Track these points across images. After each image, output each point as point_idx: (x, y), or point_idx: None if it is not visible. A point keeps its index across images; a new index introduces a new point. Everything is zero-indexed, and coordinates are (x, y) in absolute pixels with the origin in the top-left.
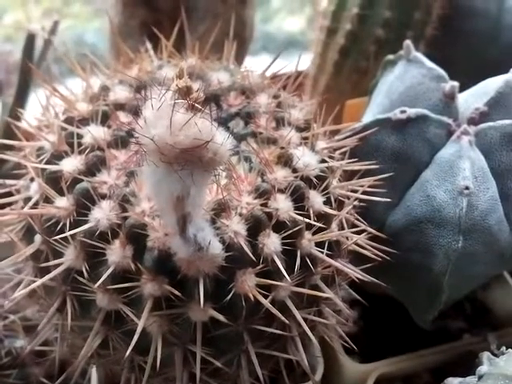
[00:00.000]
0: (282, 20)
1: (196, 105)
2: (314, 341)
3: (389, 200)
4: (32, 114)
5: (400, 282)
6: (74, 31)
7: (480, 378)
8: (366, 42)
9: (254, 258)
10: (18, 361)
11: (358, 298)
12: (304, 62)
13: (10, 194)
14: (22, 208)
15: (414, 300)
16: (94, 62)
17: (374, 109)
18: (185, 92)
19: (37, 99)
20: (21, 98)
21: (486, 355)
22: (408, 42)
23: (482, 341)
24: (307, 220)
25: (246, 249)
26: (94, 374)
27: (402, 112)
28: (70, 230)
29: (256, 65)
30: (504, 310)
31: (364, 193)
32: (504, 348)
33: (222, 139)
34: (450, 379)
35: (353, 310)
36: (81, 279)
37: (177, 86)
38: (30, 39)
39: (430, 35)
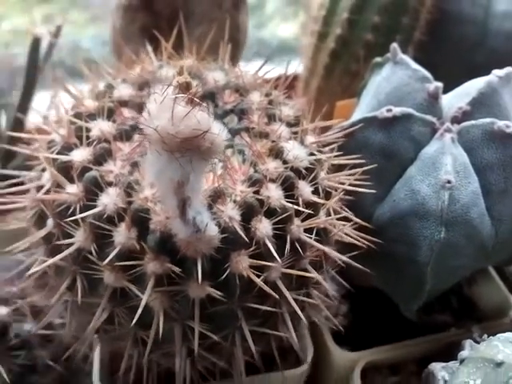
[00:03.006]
0: (275, 26)
1: (195, 99)
2: (303, 320)
3: (374, 192)
4: (37, 112)
5: (386, 273)
6: (71, 38)
7: (461, 361)
8: (356, 45)
9: (247, 241)
10: (25, 343)
11: (349, 288)
12: (296, 66)
13: (22, 185)
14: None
15: (400, 290)
16: (98, 63)
17: (363, 108)
18: (185, 87)
19: (40, 100)
20: (27, 99)
21: (468, 342)
22: (395, 45)
23: (466, 332)
24: (296, 207)
25: (240, 232)
26: (96, 357)
27: (388, 111)
28: (80, 214)
29: (250, 70)
30: (489, 305)
31: (351, 185)
32: (486, 336)
33: (218, 130)
34: (433, 364)
35: (343, 304)
36: (90, 258)
37: (177, 81)
38: (36, 43)
39: (417, 39)
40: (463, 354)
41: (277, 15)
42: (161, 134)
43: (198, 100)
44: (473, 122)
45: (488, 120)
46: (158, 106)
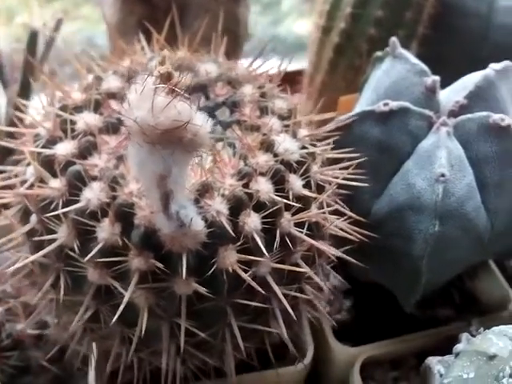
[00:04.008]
0: (291, 23)
1: (176, 89)
2: (293, 316)
3: (372, 186)
4: (34, 107)
5: (384, 268)
6: (84, 33)
7: (456, 355)
8: (360, 40)
9: (234, 235)
10: (18, 343)
11: (350, 283)
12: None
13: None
14: None
15: (398, 284)
16: (91, 56)
17: (363, 103)
18: (166, 77)
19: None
20: (24, 93)
21: (464, 336)
22: (394, 39)
23: (466, 326)
24: (286, 201)
25: (227, 226)
26: (92, 357)
27: (385, 105)
28: (62, 209)
29: (265, 67)
30: (490, 299)
31: (345, 179)
32: (482, 329)
33: (202, 121)
34: (430, 358)
35: (346, 299)
36: (73, 255)
37: (159, 71)
38: (33, 36)
39: (421, 34)
40: (458, 347)
41: (293, 12)
42: (141, 126)
43: (179, 90)
44: (469, 115)
45: (484, 113)
46: (138, 96)
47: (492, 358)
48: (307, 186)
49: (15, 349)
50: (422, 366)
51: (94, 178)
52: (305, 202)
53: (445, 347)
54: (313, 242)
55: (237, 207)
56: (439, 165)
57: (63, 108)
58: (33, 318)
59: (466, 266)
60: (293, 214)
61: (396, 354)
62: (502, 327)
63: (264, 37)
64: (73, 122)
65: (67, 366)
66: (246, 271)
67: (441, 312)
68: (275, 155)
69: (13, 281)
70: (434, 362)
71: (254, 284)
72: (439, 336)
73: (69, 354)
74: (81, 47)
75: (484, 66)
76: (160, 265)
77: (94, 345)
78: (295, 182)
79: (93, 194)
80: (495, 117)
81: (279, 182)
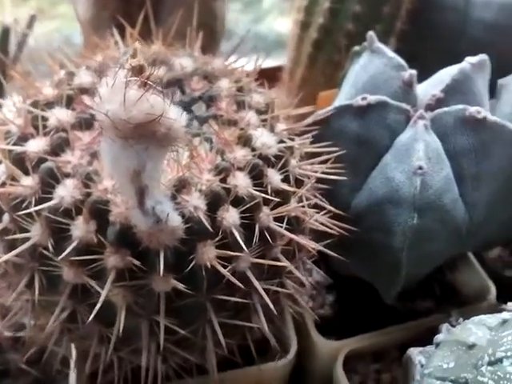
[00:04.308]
0: (272, 20)
1: (148, 82)
2: (274, 311)
3: (352, 180)
4: (6, 105)
5: (365, 261)
6: (61, 32)
7: (437, 345)
8: (338, 35)
9: (212, 231)
10: None
11: (332, 278)
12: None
13: None
14: None
15: (379, 277)
16: (64, 53)
17: (342, 98)
18: (138, 70)
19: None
20: None
21: (444, 326)
22: (371, 33)
23: (446, 317)
24: (265, 195)
25: (205, 222)
26: (72, 358)
27: (363, 99)
28: (34, 207)
29: (242, 61)
30: (470, 291)
31: (324, 173)
32: (462, 319)
33: (176, 115)
34: (411, 349)
35: (329, 294)
36: (47, 254)
37: (130, 64)
38: (5, 33)
39: (399, 29)
40: (438, 337)
41: (274, 9)
42: (112, 120)
43: (152, 83)
44: (445, 108)
45: (460, 106)
46: (110, 89)
47: (471, 347)
48: (286, 180)
49: None
50: (403, 357)
51: (67, 175)
52: (284, 197)
53: (426, 338)
54: (292, 236)
55: (215, 202)
56: (417, 158)
57: (34, 104)
58: (8, 319)
59: (446, 259)
60: (272, 209)
61: (378, 347)
62: (481, 317)
63: (245, 35)
64: (44, 119)
65: (47, 368)
66: (225, 267)
67: (421, 304)
68: (253, 150)
69: None
70: (415, 353)
71: (233, 280)
72: (420, 328)
73: (48, 355)
74: (57, 46)
75: (461, 61)
76: (137, 262)
77: (72, 345)
78: (273, 177)
79: (66, 192)
80: (471, 109)
81: (257, 177)
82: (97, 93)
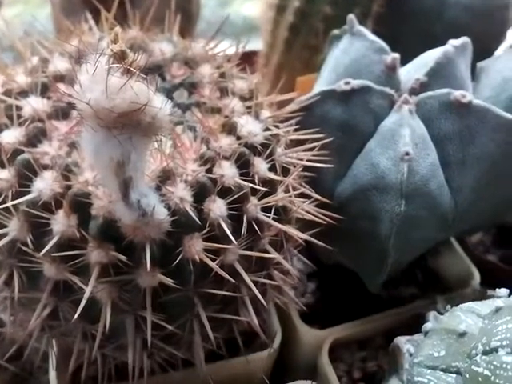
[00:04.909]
0: (239, 5)
1: (131, 69)
2: (264, 303)
3: (335, 167)
4: None
5: (350, 249)
6: (24, 18)
7: (426, 334)
8: (315, 19)
9: (200, 223)
10: None
11: (315, 266)
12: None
13: None
14: None
15: (364, 265)
16: (34, 37)
17: (322, 83)
18: (120, 56)
19: None
20: None
21: (432, 314)
22: (351, 16)
23: (431, 303)
24: (252, 185)
25: (192, 214)
26: (52, 354)
27: (346, 83)
28: (11, 202)
29: (222, 46)
30: (453, 276)
31: (310, 161)
32: (449, 307)
33: (161, 103)
34: (399, 338)
35: (311, 282)
36: (27, 250)
37: (111, 50)
38: None
39: (376, 12)
40: (427, 326)
41: None
42: (94, 109)
43: (134, 70)
44: (430, 92)
45: (445, 90)
46: (91, 77)
47: (462, 335)
48: (272, 169)
49: None
50: (390, 346)
51: (46, 167)
52: (271, 186)
53: (411, 325)
54: (281, 226)
55: (201, 193)
56: (403, 143)
57: (7, 93)
58: None
59: (432, 245)
60: (259, 199)
61: (363, 335)
62: (468, 304)
63: (212, 19)
64: (19, 108)
65: (26, 365)
66: (213, 260)
67: (405, 291)
68: (238, 138)
69: None
70: (403, 342)
71: (222, 273)
72: (405, 315)
73: (27, 352)
74: (21, 31)
75: (438, 44)
76: (122, 257)
77: (54, 342)
78: (260, 166)
79: (45, 184)
80: (456, 93)
81: (244, 166)
82: (77, 80)
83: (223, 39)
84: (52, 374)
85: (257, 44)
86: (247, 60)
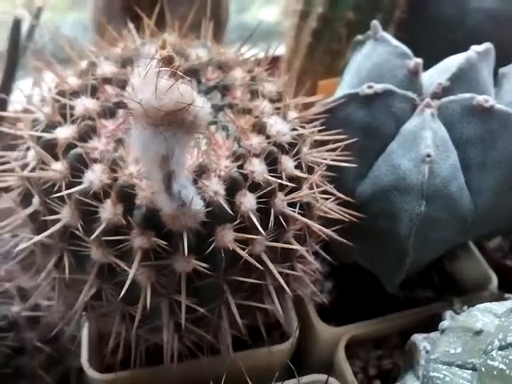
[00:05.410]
0: (257, 10)
1: (178, 72)
2: (288, 293)
3: (357, 168)
4: (21, 94)
5: (370, 248)
6: (51, 24)
7: (442, 332)
8: (338, 24)
9: (232, 214)
10: (13, 325)
11: (333, 265)
12: (278, 48)
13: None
14: None
15: (382, 265)
16: (80, 43)
17: (345, 87)
18: (168, 61)
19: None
20: (8, 81)
21: (449, 313)
22: (375, 22)
23: (447, 305)
24: (280, 181)
25: (225, 206)
26: (84, 337)
27: (369, 87)
28: (66, 191)
29: (252, 51)
30: (470, 280)
31: (333, 161)
32: (466, 307)
33: (202, 104)
34: (415, 335)
35: (327, 281)
36: (77, 234)
37: (160, 55)
38: (16, 24)
39: (398, 18)
40: (444, 324)
41: None
42: (145, 108)
43: (181, 73)
44: (452, 97)
45: (467, 95)
46: (142, 79)
47: (478, 333)
48: (298, 167)
49: (10, 330)
50: (407, 344)
51: (95, 161)
52: (297, 183)
53: (427, 325)
54: (306, 220)
55: (233, 188)
56: (425, 145)
57: (61, 93)
58: (34, 298)
59: (450, 247)
60: (286, 194)
61: (379, 333)
62: (486, 304)
63: (230, 25)
64: (71, 107)
65: (61, 347)
66: (242, 249)
67: (421, 293)
68: (267, 137)
69: (12, 263)
70: (420, 339)
71: (252, 260)
72: (421, 315)
73: (62, 334)
74: (73, 36)
75: (460, 50)
76: (163, 242)
77: (86, 325)
78: (287, 163)
79: (95, 176)
80: (479, 98)
81: (272, 163)
82: (129, 83)
83: (251, 45)
84: (84, 357)
85: (277, 49)
86: (270, 65)
